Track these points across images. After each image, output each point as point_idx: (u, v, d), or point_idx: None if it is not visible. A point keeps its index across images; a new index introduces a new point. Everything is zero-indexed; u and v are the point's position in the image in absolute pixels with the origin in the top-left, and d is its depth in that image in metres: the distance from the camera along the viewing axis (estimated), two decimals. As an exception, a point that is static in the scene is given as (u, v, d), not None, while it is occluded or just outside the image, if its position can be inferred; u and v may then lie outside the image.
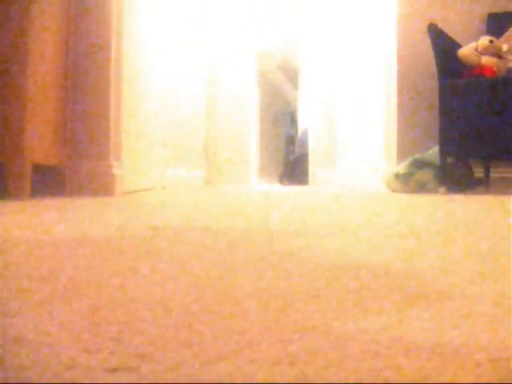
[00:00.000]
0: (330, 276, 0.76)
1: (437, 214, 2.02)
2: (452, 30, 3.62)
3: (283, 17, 7.47)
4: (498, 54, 3.44)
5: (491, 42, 3.43)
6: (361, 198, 3.09)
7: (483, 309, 0.58)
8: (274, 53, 8.87)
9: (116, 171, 2.88)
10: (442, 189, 3.31)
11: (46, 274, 0.76)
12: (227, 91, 5.58)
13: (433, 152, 3.50)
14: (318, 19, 5.21)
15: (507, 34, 3.54)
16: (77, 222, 1.56)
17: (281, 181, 6.76)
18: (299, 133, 7.00)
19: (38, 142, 2.51)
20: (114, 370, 0.40)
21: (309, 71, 5.74)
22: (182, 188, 4.35)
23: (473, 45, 3.47)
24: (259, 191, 4.45)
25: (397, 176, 3.59)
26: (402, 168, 3.61)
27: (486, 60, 3.39)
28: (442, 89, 3.32)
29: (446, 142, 3.30)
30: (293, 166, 6.45)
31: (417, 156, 3.60)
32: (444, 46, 3.45)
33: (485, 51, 3.41)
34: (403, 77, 3.97)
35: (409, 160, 3.61)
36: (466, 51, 3.44)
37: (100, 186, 2.81)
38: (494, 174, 3.73)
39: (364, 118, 4.48)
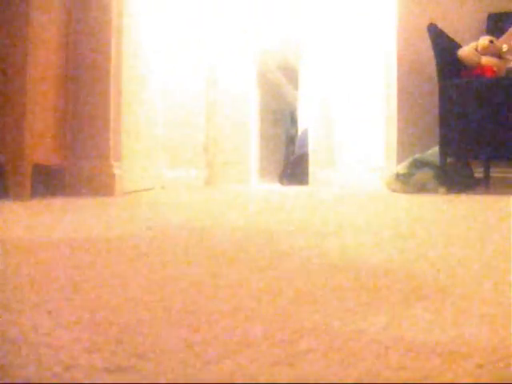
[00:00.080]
0: (330, 276, 0.76)
1: (437, 214, 2.02)
2: (452, 30, 3.61)
3: (283, 17, 7.47)
4: (498, 54, 3.43)
5: (491, 42, 3.43)
6: (361, 198, 3.09)
7: (483, 309, 0.58)
8: (274, 53, 8.86)
9: (116, 171, 2.88)
10: (442, 189, 3.31)
11: (46, 274, 0.76)
12: (227, 91, 5.58)
13: (433, 152, 3.50)
14: (318, 19, 5.21)
15: (507, 34, 3.53)
16: (77, 222, 1.56)
17: (281, 181, 6.75)
18: (299, 133, 6.99)
19: (38, 142, 2.50)
20: (113, 370, 0.40)
21: (309, 71, 5.73)
22: (182, 188, 4.35)
23: (473, 45, 3.46)
24: (259, 191, 4.45)
25: (397, 176, 3.58)
26: (402, 168, 3.60)
27: (486, 60, 3.39)
28: (441, 89, 3.31)
29: (445, 142, 3.30)
30: (293, 166, 6.44)
31: (417, 156, 3.60)
32: (444, 45, 3.44)
33: (485, 51, 3.41)
34: (403, 77, 3.97)
35: (409, 160, 3.61)
36: (465, 51, 3.44)
37: (100, 186, 2.81)
38: (494, 174, 3.73)
39: (364, 118, 4.48)
